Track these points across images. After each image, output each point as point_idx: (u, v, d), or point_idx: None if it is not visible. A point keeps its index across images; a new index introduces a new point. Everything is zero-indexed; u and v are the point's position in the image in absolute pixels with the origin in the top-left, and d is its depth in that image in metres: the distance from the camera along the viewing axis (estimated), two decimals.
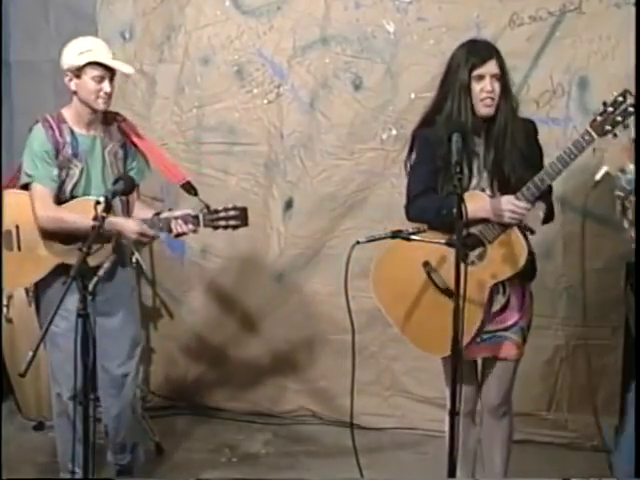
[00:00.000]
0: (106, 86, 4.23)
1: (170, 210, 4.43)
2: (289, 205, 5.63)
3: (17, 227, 4.37)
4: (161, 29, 5.68)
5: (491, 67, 3.89)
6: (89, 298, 3.99)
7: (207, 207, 4.24)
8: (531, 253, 3.98)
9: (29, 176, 4.28)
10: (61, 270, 4.26)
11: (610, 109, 3.68)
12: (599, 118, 3.70)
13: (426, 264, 3.99)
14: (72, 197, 4.28)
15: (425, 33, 5.25)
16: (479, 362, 4.21)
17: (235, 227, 4.21)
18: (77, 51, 4.24)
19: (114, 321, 4.42)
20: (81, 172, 4.30)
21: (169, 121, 5.71)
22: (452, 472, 3.62)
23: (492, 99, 3.88)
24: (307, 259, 5.66)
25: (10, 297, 5.51)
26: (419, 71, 5.26)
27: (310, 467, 5.12)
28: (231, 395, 5.81)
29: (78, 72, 4.22)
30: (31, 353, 3.50)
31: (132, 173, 4.42)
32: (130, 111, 5.56)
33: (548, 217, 4.00)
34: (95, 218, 3.82)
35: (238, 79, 5.62)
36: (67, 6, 5.81)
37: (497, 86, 3.88)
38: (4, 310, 5.55)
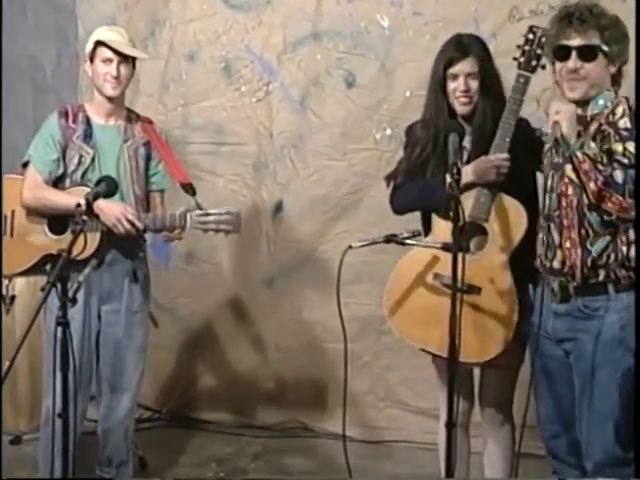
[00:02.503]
0: (112, 69, 4.29)
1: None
2: (279, 208, 5.66)
3: (13, 212, 4.49)
4: (145, 23, 5.73)
5: (465, 66, 3.95)
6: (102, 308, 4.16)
7: (199, 207, 4.24)
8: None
9: (29, 155, 4.41)
10: (50, 262, 4.34)
11: (527, 47, 3.87)
12: (522, 59, 3.88)
13: (436, 276, 3.94)
14: (82, 184, 4.33)
15: (421, 28, 5.29)
16: (475, 371, 4.21)
17: (227, 232, 4.18)
18: (93, 37, 4.38)
19: (119, 334, 4.44)
20: (92, 159, 4.36)
21: (154, 120, 5.69)
22: None
23: (468, 97, 3.95)
24: (298, 264, 5.69)
25: None
26: (415, 68, 5.27)
27: None
28: (219, 406, 5.83)
29: (92, 56, 4.35)
30: (7, 363, 3.49)
31: (156, 177, 4.53)
32: None
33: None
34: (76, 222, 3.83)
35: (225, 76, 5.67)
36: (46, 0, 5.81)
37: (474, 85, 3.95)
38: None
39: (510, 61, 5.04)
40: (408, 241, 3.94)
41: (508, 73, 5.13)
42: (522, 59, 3.89)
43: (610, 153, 3.52)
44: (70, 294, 3.62)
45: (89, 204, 3.84)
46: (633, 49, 4.16)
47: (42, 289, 3.64)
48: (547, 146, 3.81)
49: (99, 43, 4.30)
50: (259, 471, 5.27)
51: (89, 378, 4.41)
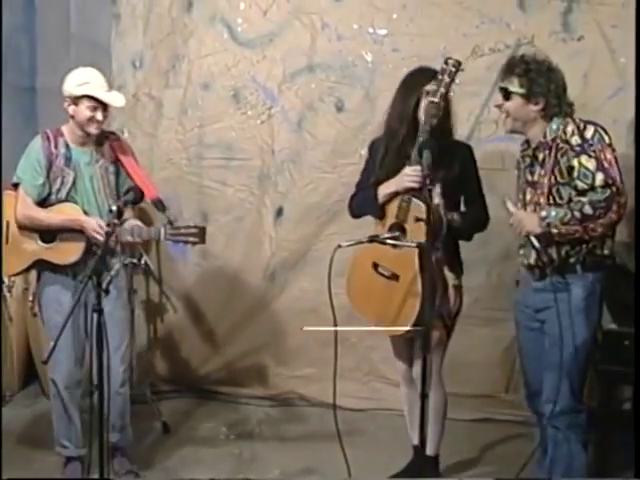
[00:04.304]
0: (99, 115, 4.29)
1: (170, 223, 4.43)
2: (279, 213, 5.65)
3: (7, 223, 4.45)
4: (167, 58, 5.70)
5: None
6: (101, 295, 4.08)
7: (170, 222, 4.24)
8: (457, 250, 4.23)
9: (18, 177, 4.37)
10: (41, 265, 4.40)
11: (439, 77, 3.92)
12: (433, 87, 3.94)
13: (375, 264, 4.13)
14: (67, 198, 4.34)
15: (399, 62, 5.27)
16: None
17: (194, 243, 4.19)
18: (76, 82, 4.31)
19: (105, 318, 4.40)
20: (74, 180, 4.35)
21: (174, 139, 5.72)
22: (422, 444, 3.85)
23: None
24: (295, 260, 5.68)
25: (35, 293, 5.53)
26: None
27: (298, 443, 5.15)
28: (229, 380, 5.83)
29: (76, 100, 4.30)
30: (52, 343, 3.55)
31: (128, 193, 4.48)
32: (139, 130, 5.61)
33: (478, 225, 4.20)
34: (108, 225, 3.88)
35: (234, 102, 5.64)
36: (85, 39, 5.81)
37: None
38: (29, 304, 5.60)
39: (473, 89, 5.11)
40: (388, 241, 3.99)
41: (473, 101, 5.22)
42: (433, 87, 3.97)
43: (571, 169, 3.69)
44: (104, 286, 3.67)
45: (120, 210, 3.89)
46: (633, 49, 4.25)
47: (80, 281, 3.69)
48: (523, 164, 3.93)
49: (87, 96, 4.26)
50: (263, 434, 5.31)
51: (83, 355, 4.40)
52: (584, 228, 3.66)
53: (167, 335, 5.93)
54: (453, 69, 3.92)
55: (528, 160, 3.87)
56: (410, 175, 3.99)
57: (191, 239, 4.14)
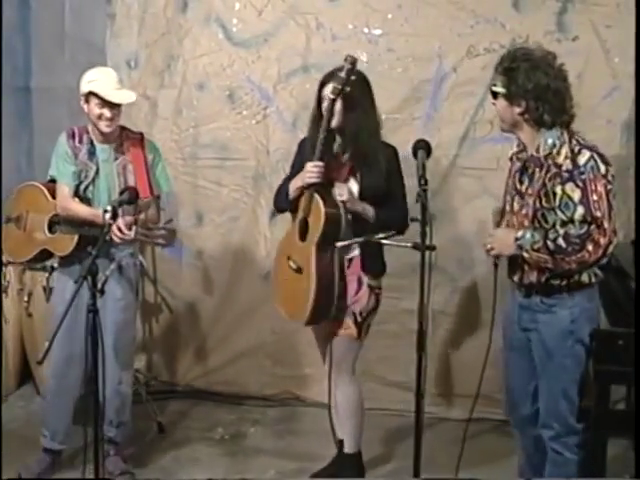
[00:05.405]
0: (106, 112, 4.31)
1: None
2: (274, 213, 5.64)
3: (27, 212, 4.65)
4: (162, 58, 5.66)
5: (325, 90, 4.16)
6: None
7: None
8: (379, 252, 4.22)
9: (52, 174, 4.51)
10: (46, 256, 4.59)
11: (338, 73, 4.00)
12: (332, 83, 4.02)
13: (289, 258, 4.19)
14: (85, 194, 4.40)
15: (394, 62, 5.28)
16: None
17: (163, 246, 4.17)
18: (86, 80, 4.36)
19: (102, 320, 4.36)
20: (95, 175, 4.41)
21: (169, 139, 5.71)
22: (418, 443, 3.72)
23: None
24: None
25: (30, 294, 5.57)
26: (389, 95, 5.25)
27: (292, 443, 5.15)
28: (224, 380, 5.80)
29: (87, 98, 4.35)
30: (47, 343, 3.54)
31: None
32: None
33: (391, 224, 4.07)
34: (102, 225, 3.87)
35: (230, 102, 5.63)
36: (80, 39, 5.82)
37: (338, 105, 4.09)
38: (24, 305, 5.60)
39: (468, 89, 5.10)
40: (384, 241, 3.97)
41: (468, 101, 5.21)
42: (331, 83, 4.03)
43: (554, 195, 3.45)
44: (99, 286, 3.66)
45: (114, 210, 3.89)
46: (632, 50, 4.21)
47: (75, 281, 3.68)
48: (514, 167, 3.73)
49: (92, 93, 4.30)
50: (258, 434, 5.30)
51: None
52: (554, 260, 3.42)
53: (162, 335, 5.91)
54: (350, 66, 3.99)
55: (519, 165, 3.65)
56: (309, 171, 4.05)
57: (160, 241, 4.08)
